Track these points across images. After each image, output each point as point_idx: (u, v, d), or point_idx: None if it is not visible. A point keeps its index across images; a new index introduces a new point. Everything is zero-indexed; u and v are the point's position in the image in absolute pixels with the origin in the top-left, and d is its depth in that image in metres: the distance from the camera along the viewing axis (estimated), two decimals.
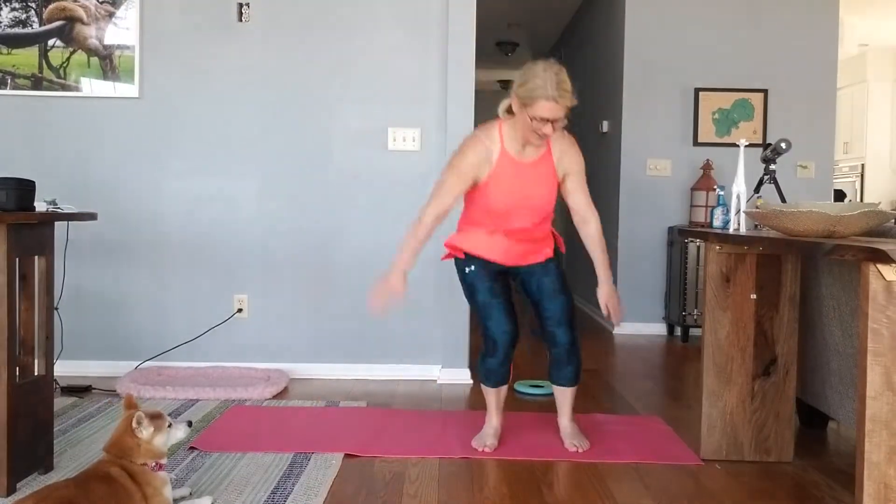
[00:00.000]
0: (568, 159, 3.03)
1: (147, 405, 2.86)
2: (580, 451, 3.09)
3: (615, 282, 6.16)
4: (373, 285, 3.00)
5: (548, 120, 2.79)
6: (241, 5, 4.26)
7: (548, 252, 3.17)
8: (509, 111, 2.96)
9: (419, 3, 4.28)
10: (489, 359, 3.12)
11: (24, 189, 2.56)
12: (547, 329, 3.13)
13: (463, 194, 3.01)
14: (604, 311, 3.17)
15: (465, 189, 2.98)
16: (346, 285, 4.32)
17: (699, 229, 3.51)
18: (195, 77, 4.28)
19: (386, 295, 2.96)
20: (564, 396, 3.21)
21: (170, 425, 2.37)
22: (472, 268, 3.10)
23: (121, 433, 2.30)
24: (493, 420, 3.23)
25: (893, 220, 2.67)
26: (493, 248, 3.08)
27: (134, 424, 2.28)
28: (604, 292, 3.15)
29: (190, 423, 2.46)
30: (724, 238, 2.90)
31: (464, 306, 4.21)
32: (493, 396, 3.22)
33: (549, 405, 3.86)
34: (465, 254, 3.11)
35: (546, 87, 2.76)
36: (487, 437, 3.17)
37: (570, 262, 8.73)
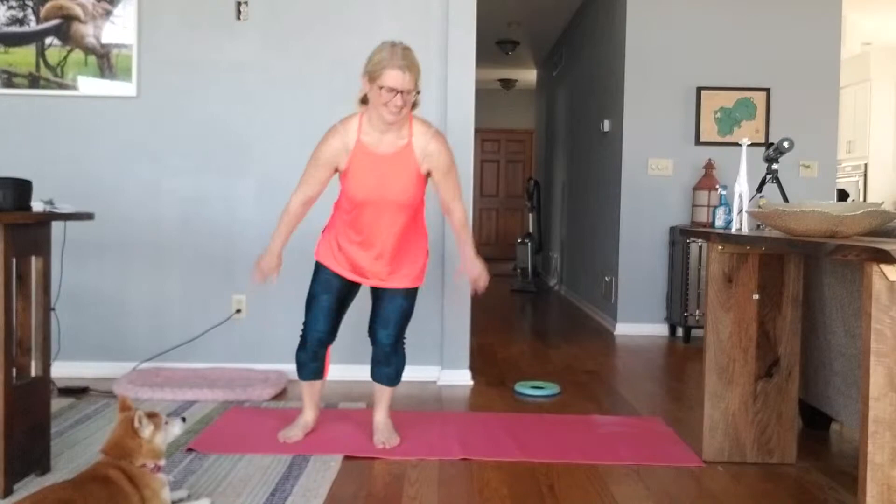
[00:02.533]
0: (432, 154, 3.01)
1: (145, 406, 2.85)
2: (387, 447, 3.10)
3: (616, 282, 6.16)
4: (252, 267, 3.22)
5: (397, 91, 2.82)
6: (239, 3, 4.24)
7: (416, 278, 3.15)
8: (364, 101, 2.99)
9: (419, 1, 4.27)
10: (299, 351, 3.22)
11: (20, 188, 2.55)
12: (373, 325, 3.18)
13: (327, 181, 3.08)
14: (472, 284, 3.20)
15: (326, 176, 3.06)
16: None
17: (701, 229, 3.50)
18: (193, 76, 4.26)
19: (263, 274, 3.15)
20: (382, 393, 3.25)
21: (166, 423, 2.38)
22: (325, 269, 3.14)
23: (121, 434, 2.29)
24: (305, 414, 3.28)
25: None
26: (348, 265, 3.10)
27: (136, 424, 2.28)
28: (468, 266, 3.15)
29: (184, 419, 2.47)
30: (727, 238, 2.89)
31: (464, 307, 4.20)
32: (308, 390, 3.29)
33: (549, 406, 3.85)
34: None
35: (392, 59, 2.84)
36: (293, 428, 3.23)
37: (568, 261, 8.72)
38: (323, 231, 3.21)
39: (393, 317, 3.13)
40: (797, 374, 2.99)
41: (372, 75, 2.86)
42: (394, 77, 2.82)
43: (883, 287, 1.83)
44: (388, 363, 3.20)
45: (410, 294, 3.16)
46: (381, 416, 3.25)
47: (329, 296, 3.12)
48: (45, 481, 2.61)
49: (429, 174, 3.04)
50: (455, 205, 3.13)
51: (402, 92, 2.83)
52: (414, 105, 2.96)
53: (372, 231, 3.03)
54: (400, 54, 2.84)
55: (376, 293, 3.17)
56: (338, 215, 3.14)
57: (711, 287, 2.98)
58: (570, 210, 8.74)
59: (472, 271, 3.15)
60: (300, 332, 3.23)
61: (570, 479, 2.80)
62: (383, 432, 3.19)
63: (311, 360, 3.22)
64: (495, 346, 5.36)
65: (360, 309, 4.35)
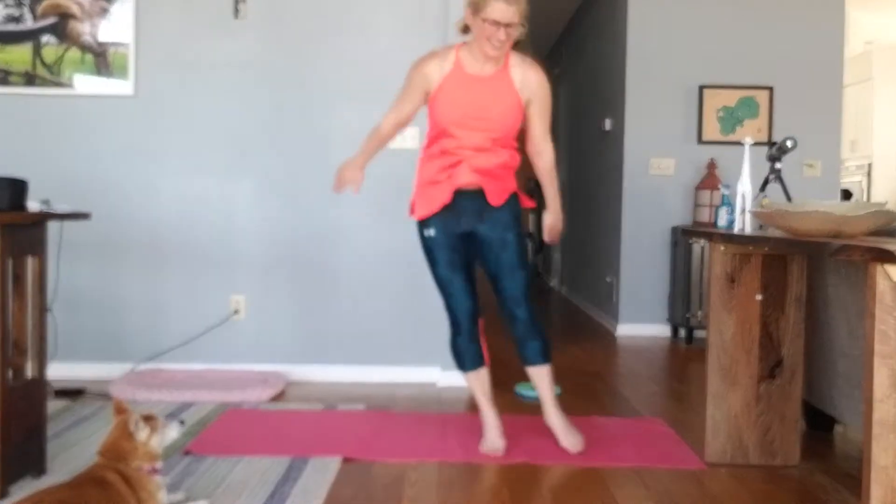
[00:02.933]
0: (532, 83, 2.99)
1: (142, 408, 2.83)
2: (575, 451, 3.04)
3: (618, 282, 6.13)
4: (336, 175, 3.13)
5: (500, 24, 2.78)
6: (237, 2, 4.22)
7: (510, 188, 3.08)
8: (465, 31, 2.97)
9: (419, 2, 4.25)
10: (456, 339, 3.12)
11: (16, 188, 2.54)
12: (505, 307, 3.10)
13: (420, 105, 3.05)
14: (546, 235, 3.23)
15: (419, 99, 3.02)
16: (345, 286, 4.28)
17: (703, 229, 3.48)
18: (190, 74, 4.24)
19: (343, 183, 3.08)
20: (541, 378, 3.14)
21: (163, 425, 2.36)
22: (432, 232, 3.06)
23: (117, 437, 2.28)
24: (489, 417, 3.15)
25: None
26: (445, 185, 3.01)
27: (132, 427, 2.27)
28: (551, 219, 3.19)
29: (182, 422, 2.45)
30: (729, 238, 2.88)
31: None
32: (477, 383, 3.17)
33: None
34: (425, 217, 3.07)
35: None
36: (493, 439, 3.10)
37: (569, 261, 8.71)
38: (414, 194, 3.13)
39: (519, 292, 3.05)
40: (800, 376, 2.97)
41: (476, 7, 2.81)
42: (499, 10, 2.77)
43: (887, 287, 1.81)
44: (533, 336, 3.09)
45: (517, 251, 3.06)
46: (557, 416, 3.14)
47: (460, 273, 3.06)
48: (41, 483, 2.60)
49: (527, 105, 3.01)
50: (546, 145, 3.12)
51: (506, 25, 2.78)
52: (517, 41, 2.92)
53: (463, 153, 2.97)
54: None
55: (490, 273, 3.09)
56: (426, 166, 3.07)
57: (714, 287, 2.96)
58: (572, 210, 8.72)
59: (555, 224, 3.19)
60: (449, 322, 3.13)
61: (571, 481, 2.79)
62: (569, 433, 3.10)
63: (469, 341, 3.11)
64: (496, 348, 5.32)
65: (355, 311, 4.35)
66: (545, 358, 3.13)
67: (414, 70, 3.00)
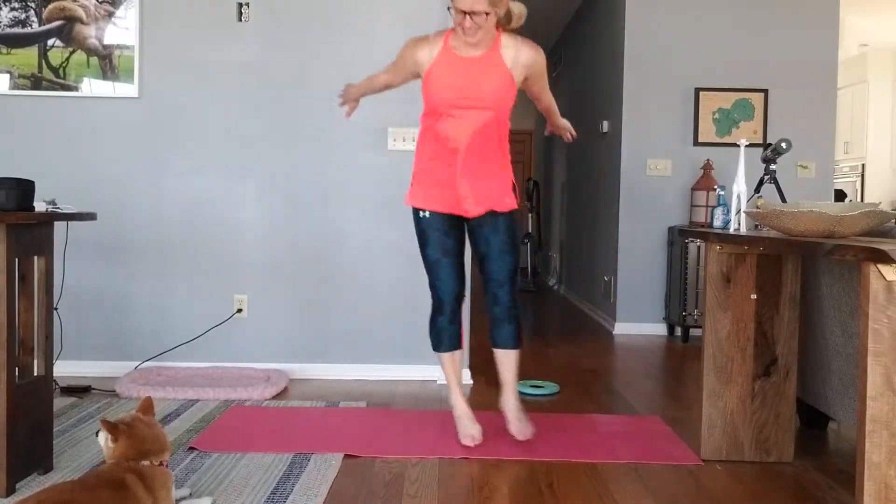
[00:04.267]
0: (525, 58, 3.06)
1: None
2: (522, 439, 3.10)
3: (615, 281, 6.17)
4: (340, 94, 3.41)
5: (465, 12, 2.86)
6: (240, 5, 4.25)
7: (509, 202, 3.14)
8: None
9: (419, 3, 4.28)
10: (437, 317, 3.20)
11: (23, 189, 2.56)
12: (489, 289, 3.16)
13: (407, 80, 3.20)
14: (565, 134, 3.55)
15: (408, 77, 3.16)
16: (346, 285, 4.32)
17: (699, 229, 3.51)
18: (195, 77, 4.27)
19: (345, 98, 3.39)
20: (509, 360, 3.20)
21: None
22: (427, 214, 3.13)
23: (160, 431, 2.29)
24: (459, 403, 3.23)
25: (894, 221, 2.67)
26: (442, 179, 3.08)
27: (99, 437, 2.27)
28: (558, 122, 3.53)
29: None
30: (725, 238, 2.89)
31: (464, 306, 4.20)
32: (450, 366, 3.24)
33: (549, 406, 3.86)
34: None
35: None
36: (468, 426, 3.17)
37: (568, 261, 8.73)
38: (412, 179, 3.20)
39: (505, 275, 3.12)
40: (795, 374, 3.00)
41: None
42: (461, 0, 2.87)
43: (880, 287, 1.83)
44: (510, 321, 3.16)
45: (508, 235, 3.12)
46: (513, 402, 3.21)
47: (450, 257, 3.13)
48: (47, 480, 2.62)
49: (524, 81, 3.12)
50: (546, 95, 3.31)
51: (470, 14, 2.86)
52: (509, 22, 3.00)
53: (457, 140, 3.03)
54: None
55: (479, 255, 3.16)
56: (421, 149, 3.15)
57: (710, 287, 2.99)
58: (570, 210, 8.75)
59: (562, 124, 3.48)
60: (432, 300, 3.21)
61: (570, 478, 2.81)
62: (521, 421, 3.17)
63: (449, 322, 3.19)
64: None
65: (356, 309, 4.38)
66: (516, 343, 3.20)
67: (406, 51, 3.09)
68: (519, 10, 3.01)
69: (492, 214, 3.11)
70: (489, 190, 3.10)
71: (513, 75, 3.05)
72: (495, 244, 3.11)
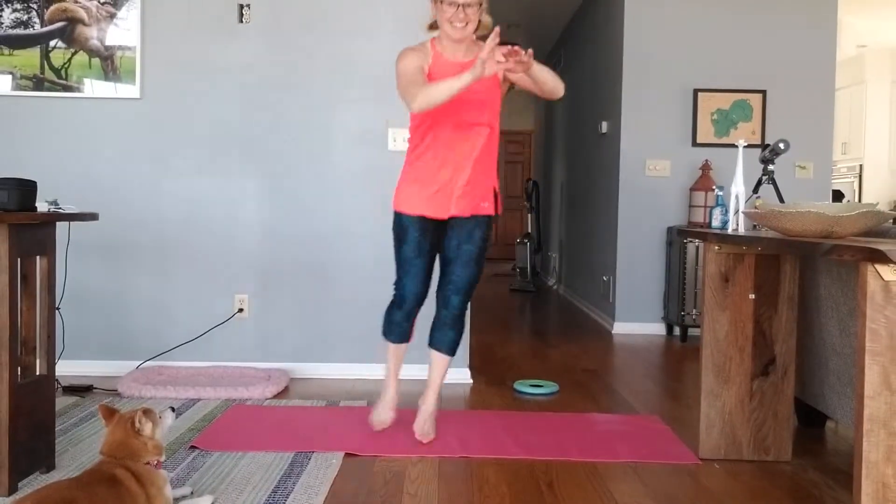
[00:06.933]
0: (499, 55, 3.01)
1: (148, 405, 2.88)
2: (424, 441, 3.12)
3: (614, 281, 6.19)
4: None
5: (458, 4, 2.91)
6: (241, 6, 4.27)
7: (486, 206, 3.16)
8: (433, 27, 3.12)
9: (419, 3, 4.28)
10: (396, 310, 3.25)
11: (25, 189, 2.57)
12: (444, 291, 3.20)
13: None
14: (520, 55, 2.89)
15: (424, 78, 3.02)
16: (347, 284, 4.33)
17: (698, 229, 3.53)
18: (196, 78, 4.28)
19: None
20: (442, 365, 3.26)
21: (160, 417, 2.40)
22: (410, 215, 3.16)
23: (123, 436, 2.29)
24: (389, 390, 3.32)
25: (891, 221, 2.69)
26: (431, 179, 3.10)
27: (137, 424, 2.29)
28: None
29: (173, 409, 2.50)
30: (723, 238, 2.91)
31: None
32: (394, 356, 3.33)
33: (548, 405, 3.88)
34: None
35: None
36: (384, 411, 3.26)
37: (567, 261, 8.75)
38: (398, 182, 3.22)
39: (465, 284, 3.16)
40: (793, 373, 3.02)
41: None
42: None
43: (878, 287, 1.85)
44: (453, 326, 3.21)
45: (480, 248, 3.15)
46: (431, 403, 3.24)
47: (423, 259, 3.17)
48: (49, 479, 2.63)
49: (505, 80, 3.11)
50: (528, 73, 3.12)
51: (465, 5, 2.90)
52: (476, 30, 3.03)
53: (450, 150, 3.07)
54: None
55: (446, 257, 3.18)
56: (412, 153, 3.17)
57: (708, 287, 3.00)
58: (569, 210, 8.76)
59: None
60: (393, 295, 3.25)
61: (569, 477, 2.83)
62: (428, 422, 3.20)
63: (404, 319, 3.26)
64: (494, 345, 5.39)
65: (357, 309, 4.39)
66: (453, 351, 3.27)
67: (409, 60, 3.06)
68: (486, 20, 3.08)
69: (471, 219, 3.15)
70: (473, 193, 3.14)
71: (498, 76, 3.10)
72: (466, 252, 3.15)
